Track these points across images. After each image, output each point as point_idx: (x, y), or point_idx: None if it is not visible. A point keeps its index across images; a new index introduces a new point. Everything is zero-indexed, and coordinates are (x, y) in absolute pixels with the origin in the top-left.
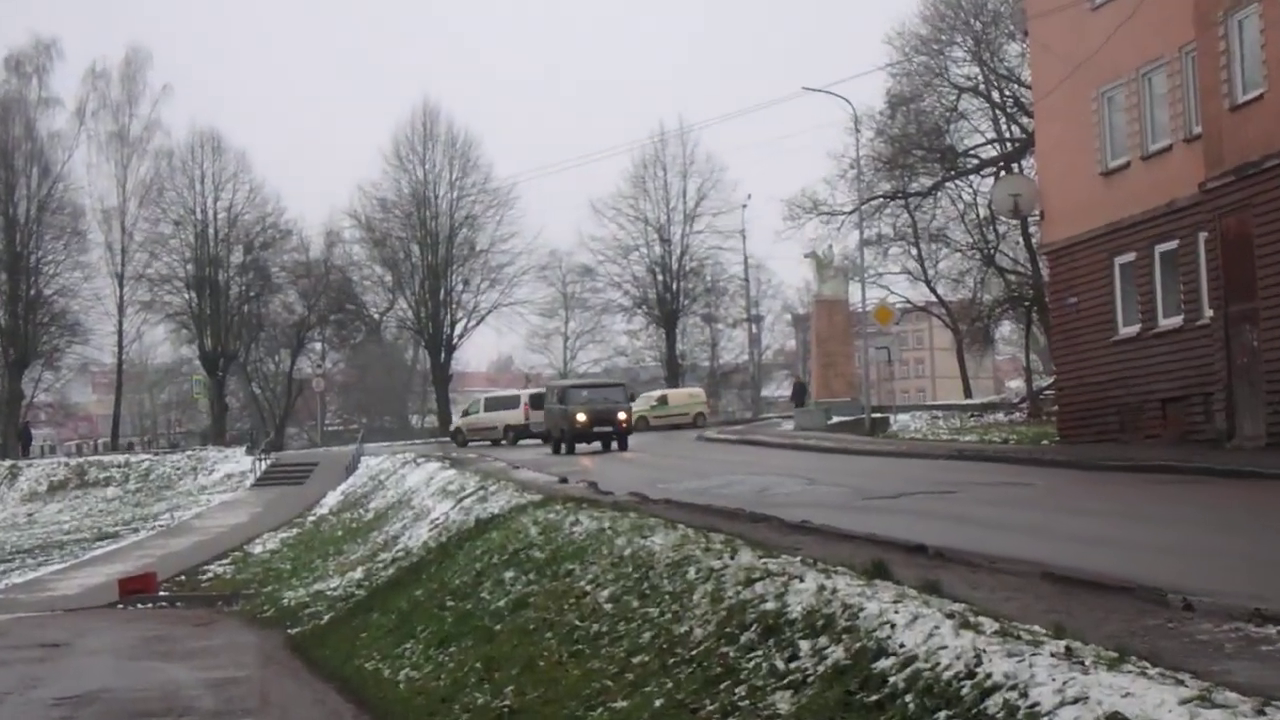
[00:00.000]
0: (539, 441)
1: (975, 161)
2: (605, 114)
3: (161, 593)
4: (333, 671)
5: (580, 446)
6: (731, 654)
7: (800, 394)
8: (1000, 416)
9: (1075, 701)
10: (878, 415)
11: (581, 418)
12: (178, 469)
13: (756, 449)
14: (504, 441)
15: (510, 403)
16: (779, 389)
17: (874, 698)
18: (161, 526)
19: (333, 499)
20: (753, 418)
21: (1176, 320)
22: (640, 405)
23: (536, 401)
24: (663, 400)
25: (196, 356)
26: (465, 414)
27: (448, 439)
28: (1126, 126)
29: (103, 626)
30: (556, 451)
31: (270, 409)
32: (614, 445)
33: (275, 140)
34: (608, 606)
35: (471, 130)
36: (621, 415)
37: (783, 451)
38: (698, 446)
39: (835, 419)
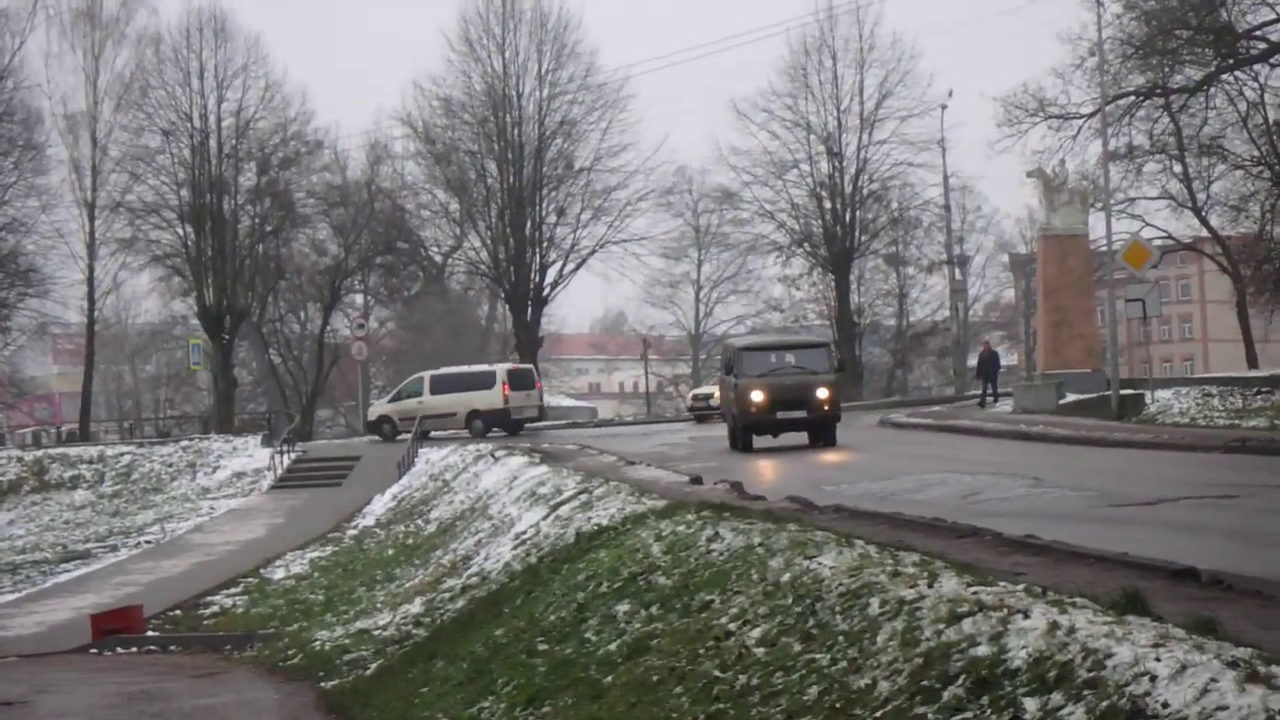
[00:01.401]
0: (506, 432)
1: (1263, 46)
2: None
3: (150, 633)
4: None
5: (763, 440)
6: (930, 716)
7: (989, 367)
8: None
9: None
10: (1129, 392)
11: (757, 396)
12: (170, 466)
13: (961, 438)
14: (467, 433)
15: (479, 381)
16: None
17: None
18: (149, 543)
19: (380, 506)
20: (954, 396)
21: None
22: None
23: (520, 380)
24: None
25: (194, 314)
26: (397, 396)
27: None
28: None
29: (71, 679)
30: (734, 446)
31: (295, 385)
32: (814, 439)
33: (300, 22)
34: (759, 652)
35: (568, 6)
36: (822, 393)
37: (998, 442)
38: (879, 434)
39: (1070, 397)
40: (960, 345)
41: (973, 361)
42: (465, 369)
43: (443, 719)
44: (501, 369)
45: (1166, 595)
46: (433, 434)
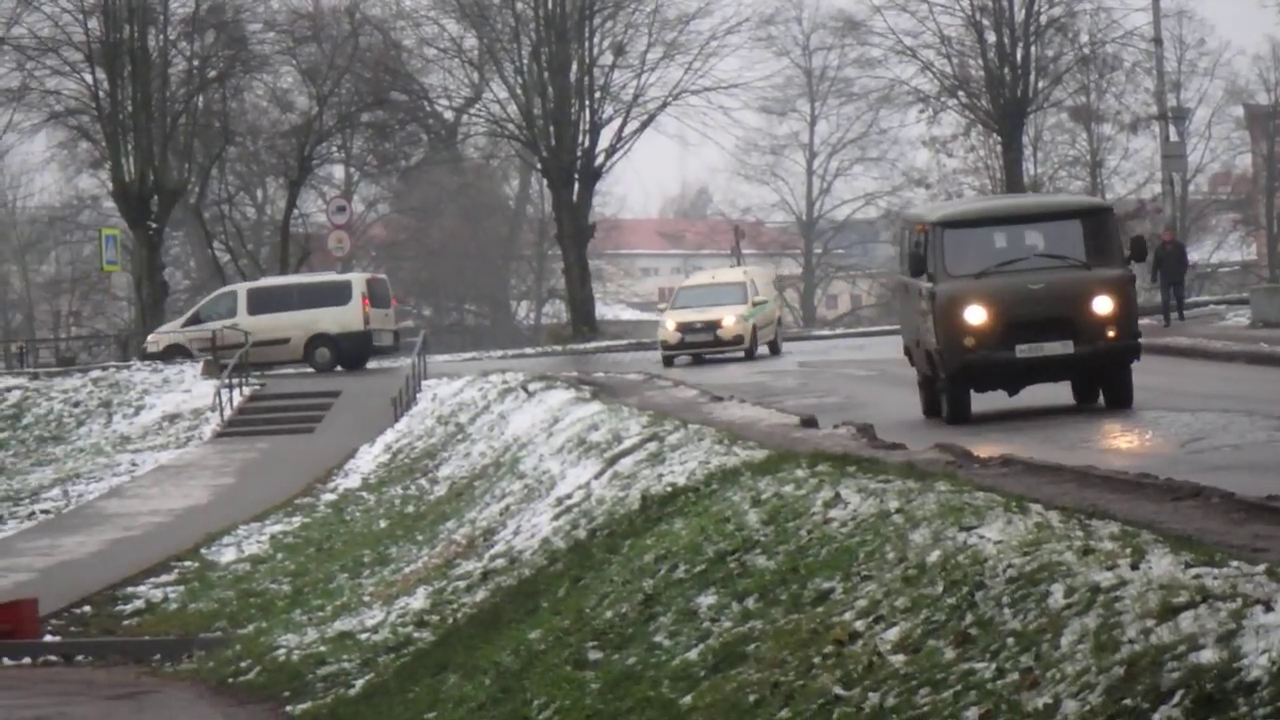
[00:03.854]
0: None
1: None
2: None
3: (48, 637)
4: None
5: (989, 400)
6: None
7: (1173, 266)
8: None
9: None
10: None
11: (976, 317)
12: (75, 406)
13: (1177, 361)
14: (308, 368)
15: (325, 293)
16: (1220, 248)
17: None
18: (45, 514)
19: (369, 460)
20: (1172, 303)
21: None
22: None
23: (380, 294)
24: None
25: (108, 194)
26: (196, 318)
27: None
28: None
29: None
30: (931, 411)
31: None
32: (1090, 393)
33: None
34: (896, 660)
35: None
36: (1103, 304)
37: (1228, 366)
38: None
39: None
40: (1178, 230)
41: (1226, 254)
42: (302, 278)
43: None
44: (359, 278)
45: None
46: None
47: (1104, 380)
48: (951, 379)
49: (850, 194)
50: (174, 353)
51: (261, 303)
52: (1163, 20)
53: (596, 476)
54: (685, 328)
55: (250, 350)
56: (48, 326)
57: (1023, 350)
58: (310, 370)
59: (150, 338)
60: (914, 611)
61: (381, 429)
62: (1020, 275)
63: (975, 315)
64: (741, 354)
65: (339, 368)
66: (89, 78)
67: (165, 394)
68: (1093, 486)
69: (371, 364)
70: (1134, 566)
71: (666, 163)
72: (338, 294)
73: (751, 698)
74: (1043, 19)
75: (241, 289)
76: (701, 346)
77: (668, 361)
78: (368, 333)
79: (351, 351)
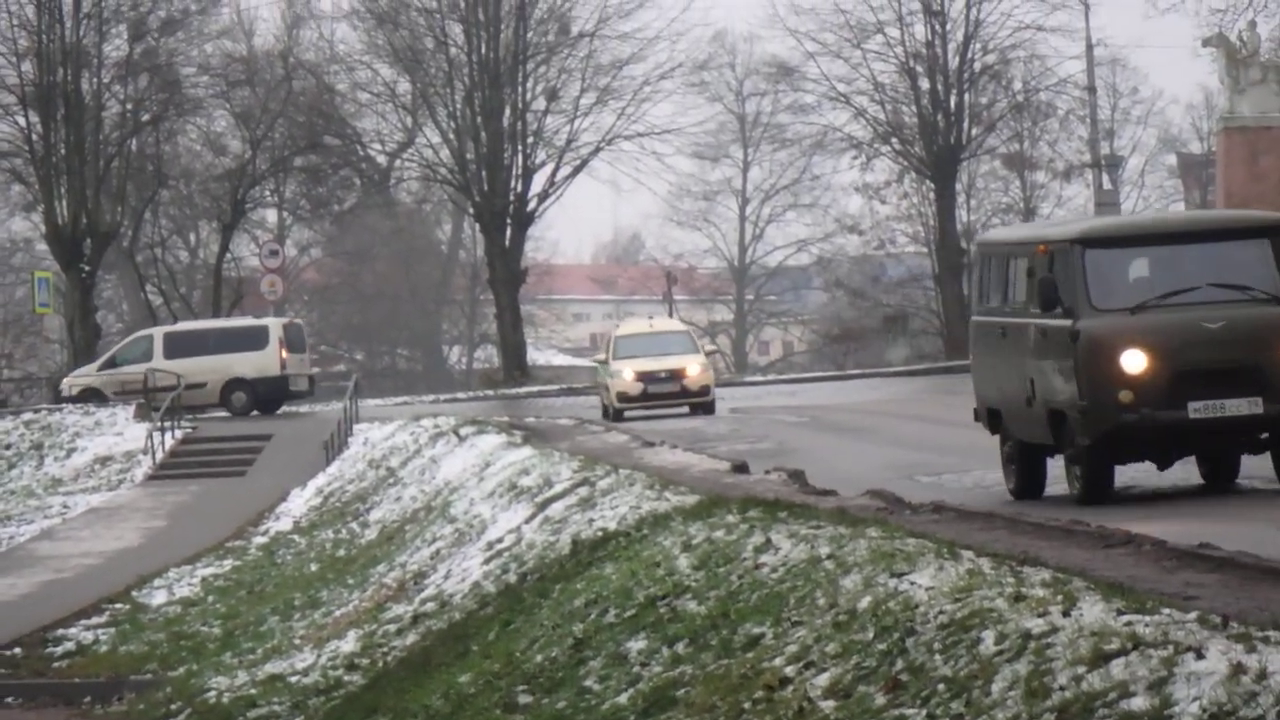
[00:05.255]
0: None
1: None
2: None
3: None
4: None
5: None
6: None
7: None
8: None
9: None
10: None
11: (1134, 364)
12: (7, 449)
13: None
14: (222, 411)
15: (242, 338)
16: None
17: None
18: None
19: (300, 504)
20: None
21: None
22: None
23: (296, 339)
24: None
25: (41, 236)
26: (112, 362)
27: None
28: None
29: None
30: (1028, 491)
31: None
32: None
33: None
34: (827, 706)
35: None
36: None
37: None
38: None
39: None
40: None
41: None
42: (219, 323)
43: None
44: (275, 323)
45: None
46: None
47: None
48: (1095, 445)
49: (783, 240)
50: (89, 396)
51: (178, 347)
52: (1096, 68)
53: (527, 521)
54: (647, 377)
55: (165, 393)
56: None
57: (1196, 409)
58: (225, 414)
59: (65, 381)
60: (845, 657)
61: (313, 472)
62: (1191, 311)
63: (1134, 363)
64: (702, 405)
65: (255, 412)
66: (22, 120)
67: (97, 437)
68: (1024, 533)
69: (287, 408)
70: (1065, 613)
71: (599, 208)
72: (254, 339)
73: None
74: (976, 66)
75: (158, 333)
76: (667, 398)
77: (617, 416)
78: (284, 377)
79: (267, 395)
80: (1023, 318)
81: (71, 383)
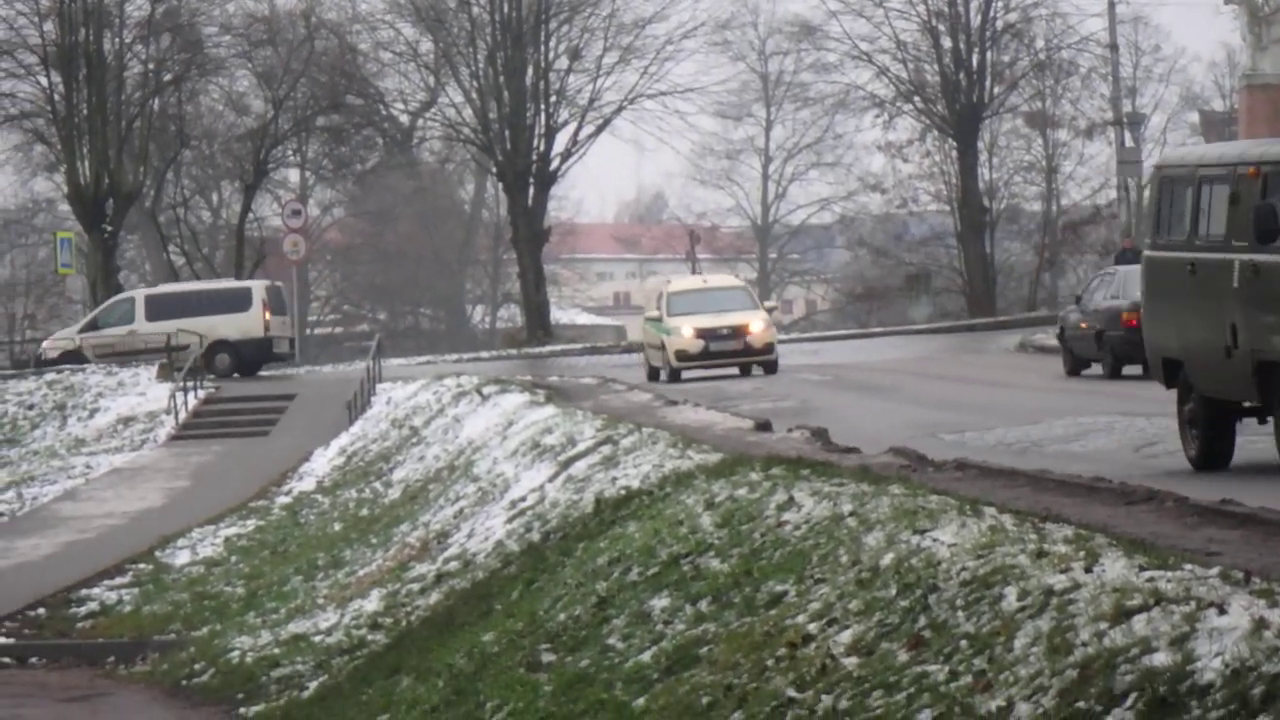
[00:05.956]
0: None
1: None
2: None
3: (1, 639)
4: None
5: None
6: None
7: None
8: None
9: None
10: None
11: None
12: (30, 409)
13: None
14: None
15: (225, 300)
16: None
17: None
18: (0, 516)
19: (323, 463)
20: None
21: None
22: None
23: (278, 301)
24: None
25: (63, 197)
26: (94, 324)
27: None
28: None
29: None
30: (1214, 460)
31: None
32: None
33: None
34: (850, 663)
35: None
36: None
37: None
38: (1014, 363)
39: None
40: (1133, 236)
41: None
42: (201, 285)
43: None
44: (259, 285)
45: None
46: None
47: None
48: None
49: (805, 199)
50: (69, 359)
51: (160, 309)
52: (1118, 26)
53: (550, 480)
54: (708, 334)
55: (148, 355)
56: (2, 330)
57: None
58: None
59: (45, 343)
60: (867, 614)
61: (336, 432)
62: None
63: None
64: (766, 364)
65: (236, 375)
66: (44, 81)
67: (120, 397)
68: (1047, 490)
69: (265, 371)
70: (1088, 570)
71: (622, 167)
72: (237, 301)
73: (705, 700)
74: (999, 25)
75: (139, 295)
76: (729, 356)
77: (674, 376)
78: (268, 339)
79: (251, 358)
80: (1222, 252)
81: (51, 345)
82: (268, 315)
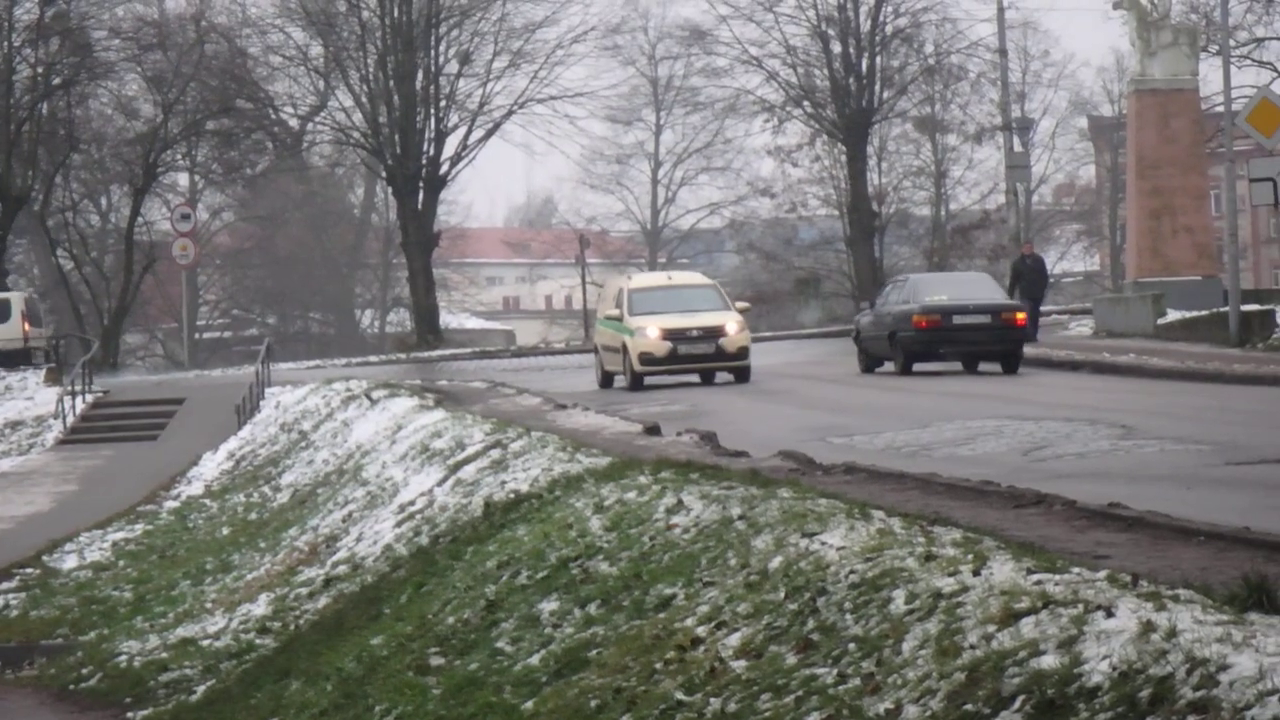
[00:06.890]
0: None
1: None
2: None
3: None
4: None
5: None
6: None
7: (1032, 280)
8: None
9: None
10: (1253, 308)
11: None
12: None
13: (1020, 372)
14: None
15: None
16: (1064, 258)
17: None
18: None
19: (212, 467)
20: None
21: None
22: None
23: (35, 314)
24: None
25: None
26: None
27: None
28: None
29: None
30: None
31: (94, 299)
32: None
33: None
34: (738, 666)
35: None
36: None
37: (1073, 376)
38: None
39: (1172, 315)
40: (1020, 242)
41: (1072, 264)
42: None
43: None
44: (18, 296)
45: None
46: None
47: None
48: None
49: (695, 203)
50: None
51: None
52: (1007, 31)
53: (440, 484)
54: (676, 335)
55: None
56: None
57: None
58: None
59: None
60: (756, 617)
61: (225, 436)
62: None
63: None
64: (739, 370)
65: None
66: None
67: (7, 401)
68: (936, 494)
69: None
70: (976, 573)
71: (512, 172)
72: None
73: (594, 703)
74: (888, 29)
75: None
76: (699, 360)
77: (635, 382)
78: (27, 350)
79: (8, 366)
80: None
81: None
82: (26, 326)
